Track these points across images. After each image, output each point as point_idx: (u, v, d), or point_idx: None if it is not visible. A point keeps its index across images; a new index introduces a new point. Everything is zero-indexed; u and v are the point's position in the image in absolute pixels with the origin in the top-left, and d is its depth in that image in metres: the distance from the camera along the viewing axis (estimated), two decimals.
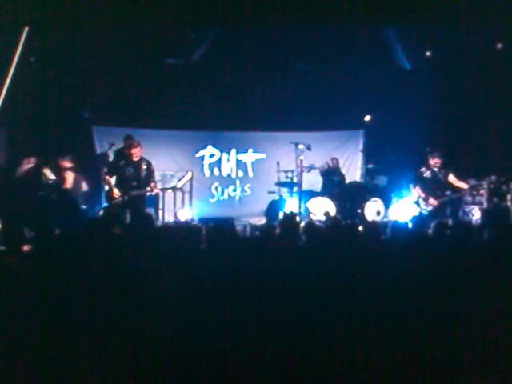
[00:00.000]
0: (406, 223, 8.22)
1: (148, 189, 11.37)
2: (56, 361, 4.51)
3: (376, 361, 4.55)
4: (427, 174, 11.72)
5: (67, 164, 11.99)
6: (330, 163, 14.26)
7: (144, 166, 11.45)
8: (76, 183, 12.14)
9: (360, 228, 7.55)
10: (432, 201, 11.49)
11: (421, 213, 11.40)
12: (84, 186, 12.50)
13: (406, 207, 12.54)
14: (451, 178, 11.72)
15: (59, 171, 11.85)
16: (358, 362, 4.54)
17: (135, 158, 11.42)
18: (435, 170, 11.64)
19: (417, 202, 11.76)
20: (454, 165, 12.12)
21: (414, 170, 11.99)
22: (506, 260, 5.49)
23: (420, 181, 11.75)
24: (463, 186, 11.89)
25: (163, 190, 12.22)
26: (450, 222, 9.71)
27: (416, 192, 11.76)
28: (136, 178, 11.38)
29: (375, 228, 9.01)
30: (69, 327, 4.60)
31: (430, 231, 6.76)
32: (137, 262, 5.47)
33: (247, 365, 4.50)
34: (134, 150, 11.43)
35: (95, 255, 5.56)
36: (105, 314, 4.67)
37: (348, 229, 7.00)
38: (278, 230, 6.83)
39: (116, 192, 11.22)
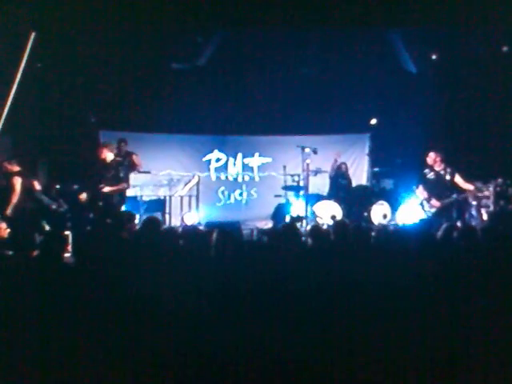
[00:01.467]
0: (413, 226, 8.22)
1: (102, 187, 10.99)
2: (61, 364, 4.52)
3: (384, 366, 4.55)
4: (430, 175, 11.57)
5: (14, 168, 11.48)
6: (342, 166, 14.27)
7: (112, 168, 11.18)
8: (26, 186, 11.64)
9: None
10: (434, 202, 11.37)
11: (428, 216, 11.32)
12: (37, 186, 12.11)
13: (412, 210, 12.52)
14: (458, 179, 11.55)
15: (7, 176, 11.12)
16: (365, 367, 4.55)
17: (107, 161, 11.16)
18: (440, 170, 11.50)
19: (421, 204, 11.68)
20: (458, 166, 12.00)
21: (418, 171, 11.91)
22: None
23: (423, 182, 11.64)
24: (469, 187, 11.71)
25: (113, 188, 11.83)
26: (459, 224, 9.73)
27: (419, 193, 11.67)
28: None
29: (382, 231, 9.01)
30: (74, 331, 4.62)
31: (439, 234, 6.74)
32: (142, 266, 5.48)
33: (253, 369, 4.51)
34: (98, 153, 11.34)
35: (100, 258, 5.59)
36: (110, 318, 4.68)
37: (355, 231, 6.99)
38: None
39: (82, 196, 11.15)
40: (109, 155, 11.19)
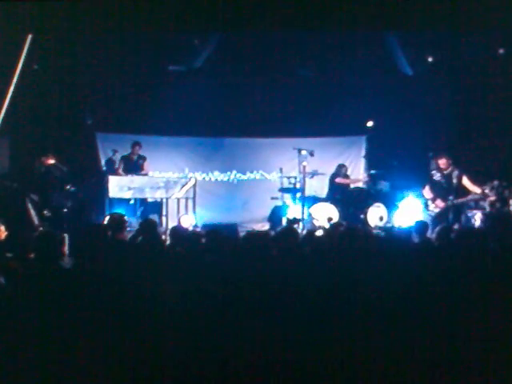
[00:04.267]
0: (409, 229, 8.22)
1: None
2: (59, 366, 4.52)
3: (379, 369, 4.56)
4: (437, 176, 11.66)
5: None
6: (342, 169, 14.29)
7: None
8: None
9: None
10: (439, 202, 11.45)
11: (427, 218, 11.34)
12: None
13: (409, 212, 12.54)
14: (465, 181, 11.59)
15: None
16: (361, 369, 4.55)
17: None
18: (445, 172, 11.58)
19: (426, 204, 11.75)
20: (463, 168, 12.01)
21: (424, 172, 11.98)
22: (508, 266, 5.50)
23: (430, 182, 11.73)
24: (476, 190, 11.72)
25: None
26: (456, 227, 9.73)
27: (425, 193, 11.75)
28: None
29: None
30: (72, 333, 4.62)
31: (434, 236, 6.75)
32: (139, 267, 5.48)
33: (248, 371, 4.51)
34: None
35: (98, 260, 5.59)
36: (108, 320, 4.68)
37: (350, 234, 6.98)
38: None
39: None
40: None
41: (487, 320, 4.73)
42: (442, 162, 11.61)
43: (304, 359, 4.55)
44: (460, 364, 4.60)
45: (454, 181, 11.54)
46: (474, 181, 11.71)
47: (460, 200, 11.58)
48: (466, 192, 11.62)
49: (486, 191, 11.77)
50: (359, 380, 4.55)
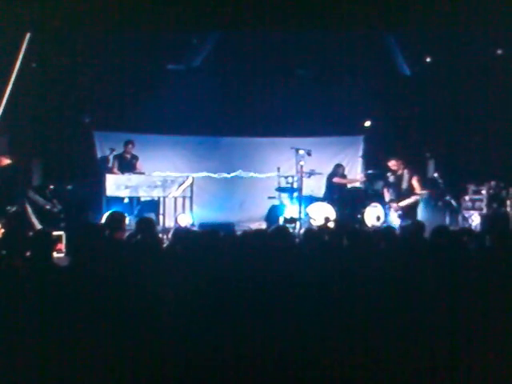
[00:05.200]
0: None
1: None
2: (54, 364, 4.52)
3: (376, 366, 4.57)
4: (391, 178, 11.87)
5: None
6: (339, 170, 14.35)
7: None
8: None
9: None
10: (394, 205, 11.64)
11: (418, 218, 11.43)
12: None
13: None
14: (414, 182, 11.78)
15: None
16: (361, 367, 4.57)
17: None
18: (399, 174, 11.74)
19: (388, 205, 11.98)
20: (451, 168, 12.13)
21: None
22: (505, 267, 5.51)
23: (387, 185, 11.96)
24: (421, 191, 11.89)
25: None
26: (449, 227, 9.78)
27: (385, 195, 12.01)
28: None
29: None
30: (69, 332, 4.62)
31: (429, 236, 6.76)
32: (136, 266, 5.49)
33: (247, 369, 4.52)
34: None
35: (96, 259, 5.59)
36: (105, 320, 4.69)
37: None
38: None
39: None
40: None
41: (486, 319, 4.75)
42: (392, 164, 11.82)
43: (303, 357, 4.56)
44: (459, 363, 4.62)
45: (405, 182, 11.69)
46: (421, 184, 12.01)
47: (413, 199, 11.67)
48: (413, 193, 11.75)
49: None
50: (359, 378, 4.56)
